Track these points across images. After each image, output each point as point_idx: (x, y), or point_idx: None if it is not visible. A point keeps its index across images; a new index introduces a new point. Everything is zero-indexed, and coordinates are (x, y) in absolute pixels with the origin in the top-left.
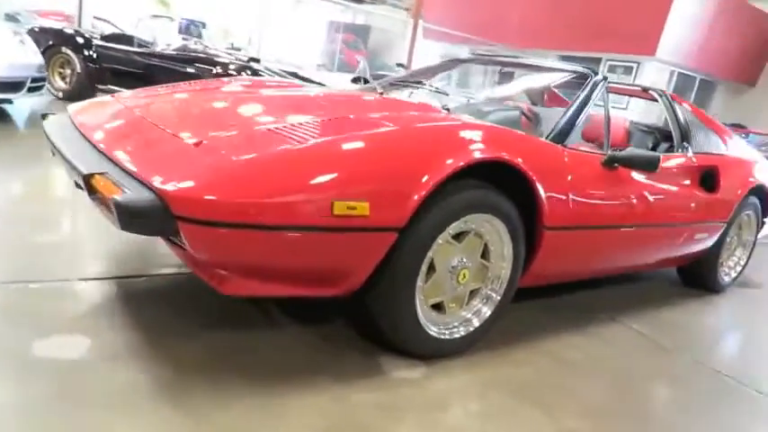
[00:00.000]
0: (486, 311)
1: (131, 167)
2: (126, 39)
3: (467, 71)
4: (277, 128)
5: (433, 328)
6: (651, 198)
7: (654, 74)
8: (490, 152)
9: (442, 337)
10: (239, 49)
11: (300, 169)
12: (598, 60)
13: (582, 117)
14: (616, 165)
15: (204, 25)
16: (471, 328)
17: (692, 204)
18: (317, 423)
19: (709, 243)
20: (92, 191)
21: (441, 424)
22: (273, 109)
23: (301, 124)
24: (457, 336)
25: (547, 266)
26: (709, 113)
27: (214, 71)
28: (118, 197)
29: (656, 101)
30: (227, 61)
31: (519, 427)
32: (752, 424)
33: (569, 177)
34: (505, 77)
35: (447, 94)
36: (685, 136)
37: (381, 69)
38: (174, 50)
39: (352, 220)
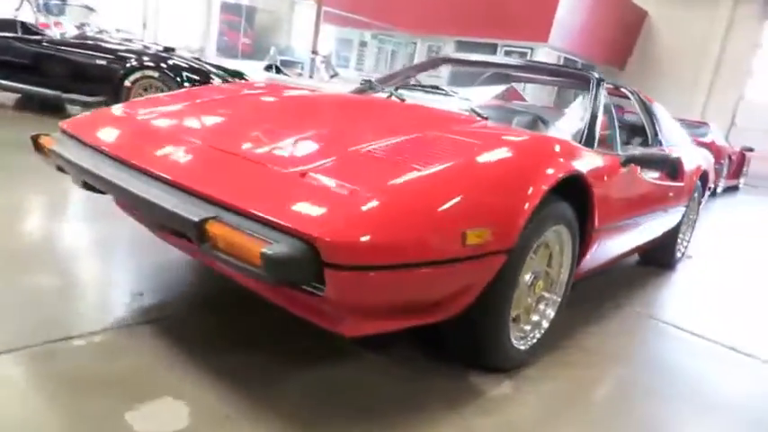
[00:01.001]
0: (551, 314)
1: (245, 206)
2: (8, 25)
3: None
4: (371, 151)
5: (515, 339)
6: (649, 191)
7: (545, 59)
8: (571, 165)
9: (522, 347)
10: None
11: (433, 202)
12: (494, 46)
13: (599, 120)
14: (631, 164)
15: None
16: (539, 334)
17: (671, 194)
18: None
19: (674, 225)
20: (203, 239)
21: None
22: (335, 123)
23: (395, 146)
24: (531, 343)
25: (586, 265)
26: None
27: (129, 64)
28: (268, 250)
29: (629, 98)
30: (138, 51)
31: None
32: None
33: (606, 180)
34: (496, 78)
35: (466, 99)
36: (658, 131)
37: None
38: (74, 39)
39: (479, 248)
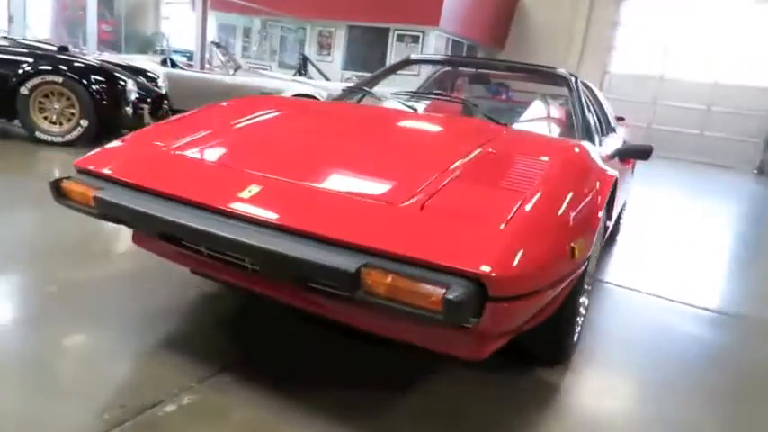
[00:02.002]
0: (586, 302)
1: (395, 250)
2: None
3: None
4: (459, 176)
5: None
6: (628, 177)
7: (435, 42)
8: (610, 170)
9: (575, 339)
10: None
11: (552, 224)
12: (387, 30)
13: (593, 116)
14: (616, 156)
15: None
16: (581, 324)
17: (631, 174)
18: None
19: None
20: (357, 286)
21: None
22: (383, 141)
23: (475, 169)
24: (578, 333)
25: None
26: None
27: (22, 70)
28: (451, 295)
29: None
30: (29, 53)
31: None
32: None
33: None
34: (476, 79)
35: (476, 106)
36: (610, 120)
37: (137, 40)
38: None
39: (580, 258)
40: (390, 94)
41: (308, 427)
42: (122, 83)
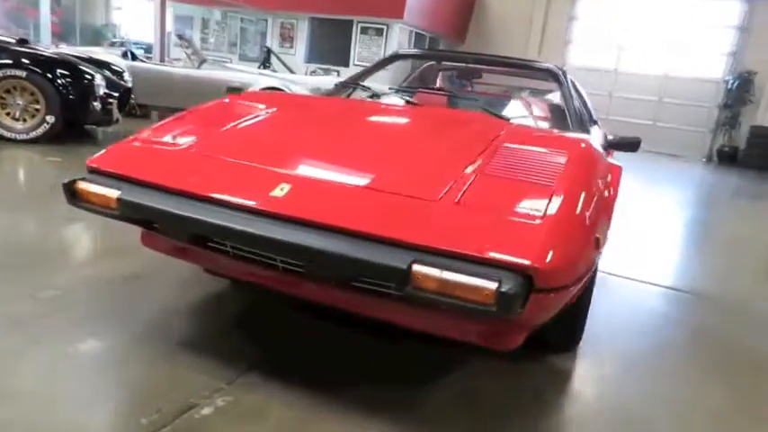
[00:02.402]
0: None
1: (442, 246)
2: None
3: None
4: (482, 170)
5: None
6: None
7: (399, 35)
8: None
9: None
10: None
11: (582, 216)
12: (350, 22)
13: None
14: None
15: None
16: None
17: None
18: None
19: None
20: (407, 282)
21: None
22: (397, 137)
23: (497, 163)
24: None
25: None
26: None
27: None
28: (504, 288)
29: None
30: None
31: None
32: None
33: None
34: (465, 73)
35: (476, 100)
36: (591, 114)
37: (87, 31)
38: None
39: (601, 250)
40: (388, 88)
41: (346, 424)
42: (89, 77)
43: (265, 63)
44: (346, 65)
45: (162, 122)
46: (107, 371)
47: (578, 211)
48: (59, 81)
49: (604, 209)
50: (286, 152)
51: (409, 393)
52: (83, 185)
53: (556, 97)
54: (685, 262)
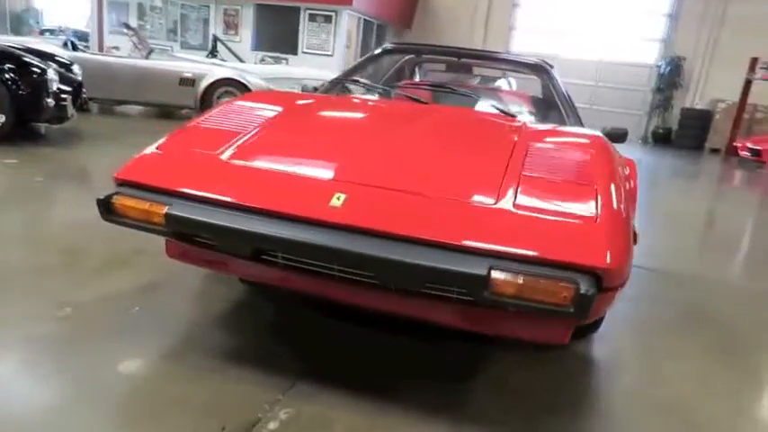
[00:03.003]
0: None
1: (517, 251)
2: None
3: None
4: (525, 174)
5: None
6: None
7: (349, 22)
8: None
9: None
10: None
11: (626, 213)
12: (297, 9)
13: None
14: None
15: None
16: None
17: None
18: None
19: None
20: (486, 288)
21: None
22: (426, 139)
23: (533, 163)
24: None
25: None
26: None
27: None
28: (582, 289)
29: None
30: None
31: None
32: None
33: None
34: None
35: (477, 97)
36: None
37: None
38: None
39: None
40: (387, 85)
41: (410, 427)
42: (38, 70)
43: (213, 52)
44: (294, 53)
45: (180, 130)
46: (154, 390)
47: (621, 208)
48: (6, 76)
49: (632, 202)
50: (328, 159)
51: (456, 390)
52: (122, 200)
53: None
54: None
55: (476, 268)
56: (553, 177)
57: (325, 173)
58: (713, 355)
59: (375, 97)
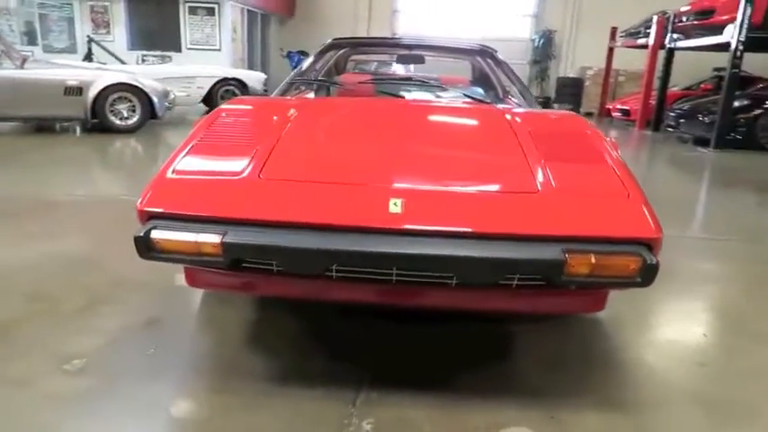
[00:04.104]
0: None
1: (584, 233)
2: None
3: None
4: (551, 157)
5: None
6: None
7: (232, 13)
8: None
9: None
10: None
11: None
12: (176, 2)
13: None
14: None
15: None
16: None
17: None
18: None
19: None
20: (561, 272)
21: None
22: (434, 136)
23: (548, 150)
24: None
25: None
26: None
27: None
28: (649, 260)
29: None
30: None
31: None
32: None
33: None
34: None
35: (445, 89)
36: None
37: None
38: None
39: None
40: (357, 83)
41: (488, 411)
42: None
43: (90, 55)
44: (178, 49)
45: (189, 150)
46: (222, 427)
47: (634, 178)
48: None
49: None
50: (365, 165)
51: (502, 370)
52: (164, 235)
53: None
54: None
55: (553, 254)
56: (571, 160)
57: (369, 179)
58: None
59: (341, 95)
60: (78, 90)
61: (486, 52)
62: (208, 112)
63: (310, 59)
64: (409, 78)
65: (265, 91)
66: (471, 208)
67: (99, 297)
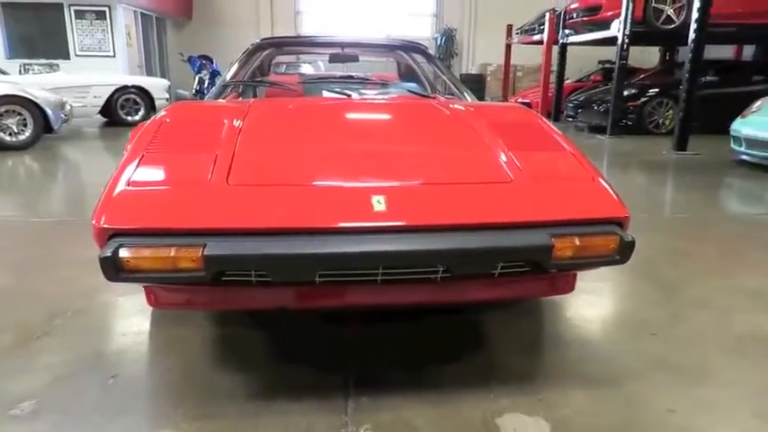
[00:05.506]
0: None
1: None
2: None
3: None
4: (513, 146)
5: None
6: None
7: (125, 17)
8: None
9: None
10: None
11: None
12: (59, 6)
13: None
14: None
15: None
16: None
17: None
18: None
19: None
20: (549, 256)
21: None
22: (398, 133)
23: (511, 140)
24: None
25: None
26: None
27: None
28: (626, 238)
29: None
30: None
31: None
32: None
33: None
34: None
35: (387, 85)
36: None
37: None
38: None
39: None
40: (298, 82)
41: (485, 399)
42: None
43: None
44: (66, 56)
45: (140, 161)
46: None
47: (590, 162)
48: None
49: None
50: (336, 164)
51: (489, 358)
52: (135, 253)
53: None
54: None
55: (542, 240)
56: (532, 148)
57: (345, 179)
58: None
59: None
60: None
61: (417, 48)
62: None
63: (238, 61)
64: (351, 77)
65: (168, 99)
66: (453, 200)
67: (35, 330)
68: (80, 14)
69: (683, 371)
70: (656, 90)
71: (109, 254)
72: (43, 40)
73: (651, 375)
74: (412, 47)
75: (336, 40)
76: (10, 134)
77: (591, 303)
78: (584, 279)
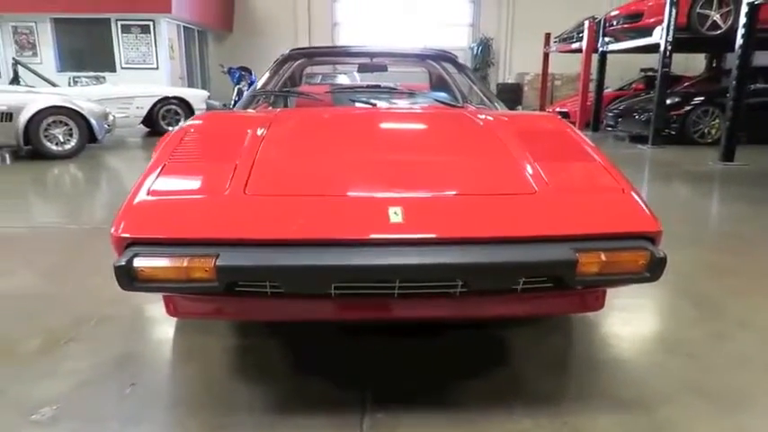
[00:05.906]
0: None
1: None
2: None
3: None
4: (539, 157)
5: None
6: None
7: (168, 30)
8: None
9: None
10: None
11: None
12: (107, 21)
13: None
14: None
15: None
16: None
17: None
18: None
19: None
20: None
21: None
22: (428, 143)
23: (538, 151)
24: None
25: None
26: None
27: None
28: (657, 254)
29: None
30: None
31: None
32: None
33: None
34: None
35: (414, 95)
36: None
37: None
38: None
39: None
40: (325, 92)
41: (500, 420)
42: None
43: (16, 78)
44: (113, 69)
45: (162, 170)
46: None
47: (622, 173)
48: None
49: None
50: (353, 175)
51: (512, 377)
52: (148, 263)
53: None
54: None
55: (565, 254)
56: (560, 159)
57: (362, 189)
58: None
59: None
60: (8, 116)
61: (447, 57)
62: (161, 134)
63: (268, 71)
64: (378, 86)
65: (222, 106)
66: (472, 212)
67: (62, 335)
68: (126, 29)
69: (721, 396)
70: (702, 98)
71: (123, 263)
72: (91, 54)
73: (686, 400)
74: (442, 56)
75: (365, 50)
76: (56, 144)
77: (625, 321)
78: (619, 296)
